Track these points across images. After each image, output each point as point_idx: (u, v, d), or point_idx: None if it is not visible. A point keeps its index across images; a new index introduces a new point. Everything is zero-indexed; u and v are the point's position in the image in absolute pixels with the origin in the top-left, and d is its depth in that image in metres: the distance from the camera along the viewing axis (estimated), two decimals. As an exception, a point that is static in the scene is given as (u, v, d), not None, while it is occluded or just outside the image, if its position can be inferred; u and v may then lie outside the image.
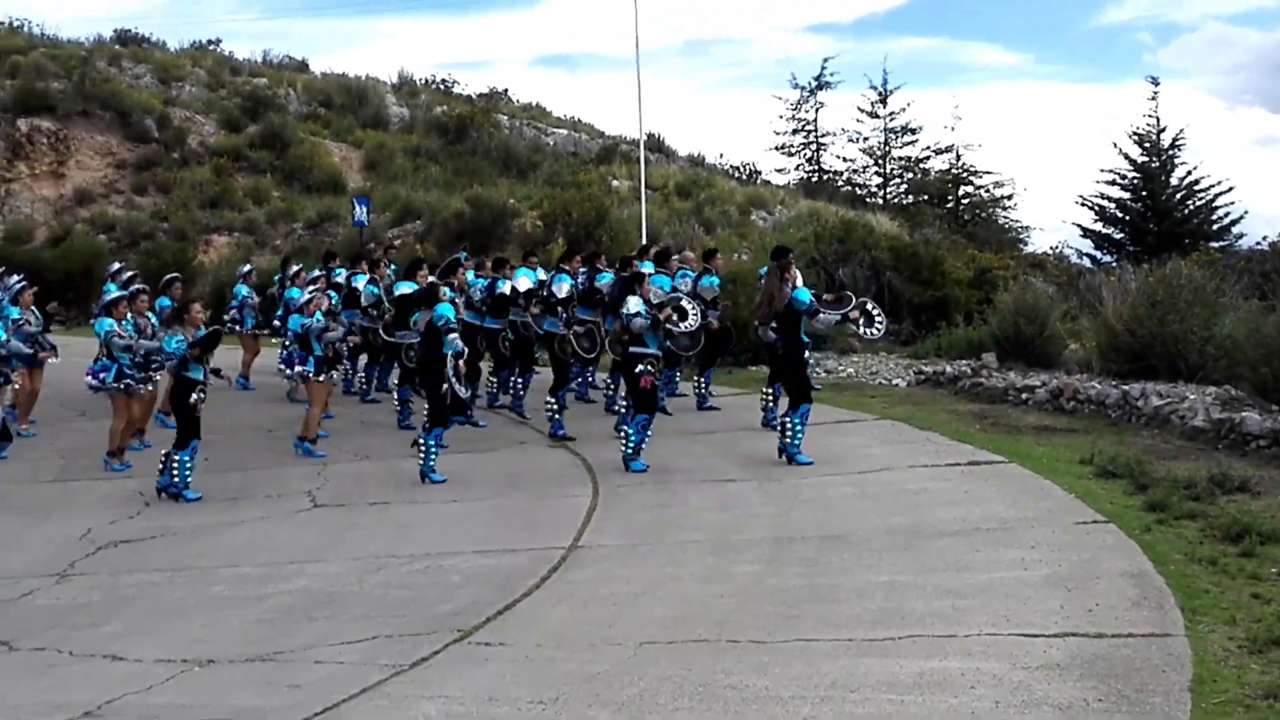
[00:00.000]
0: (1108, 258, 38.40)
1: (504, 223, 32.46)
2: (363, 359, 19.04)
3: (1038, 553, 9.53)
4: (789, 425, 13.27)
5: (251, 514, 12.49)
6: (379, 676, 7.74)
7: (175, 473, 12.98)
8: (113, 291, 16.30)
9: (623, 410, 15.04)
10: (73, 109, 39.29)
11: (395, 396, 16.99)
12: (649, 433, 13.50)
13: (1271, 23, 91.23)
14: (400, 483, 13.47)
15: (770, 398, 15.39)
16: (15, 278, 17.63)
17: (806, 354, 13.81)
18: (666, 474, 13.21)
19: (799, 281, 13.59)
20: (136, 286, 16.57)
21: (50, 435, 16.64)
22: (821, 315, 13.76)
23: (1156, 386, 15.74)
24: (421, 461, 13.27)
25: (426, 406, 13.56)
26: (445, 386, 13.13)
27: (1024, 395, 16.89)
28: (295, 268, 19.88)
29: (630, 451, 13.36)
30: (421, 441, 13.35)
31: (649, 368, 13.45)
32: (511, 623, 8.75)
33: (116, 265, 20.08)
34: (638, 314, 13.39)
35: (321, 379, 15.35)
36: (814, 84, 48.66)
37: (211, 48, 49.17)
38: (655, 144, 43.17)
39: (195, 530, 12.02)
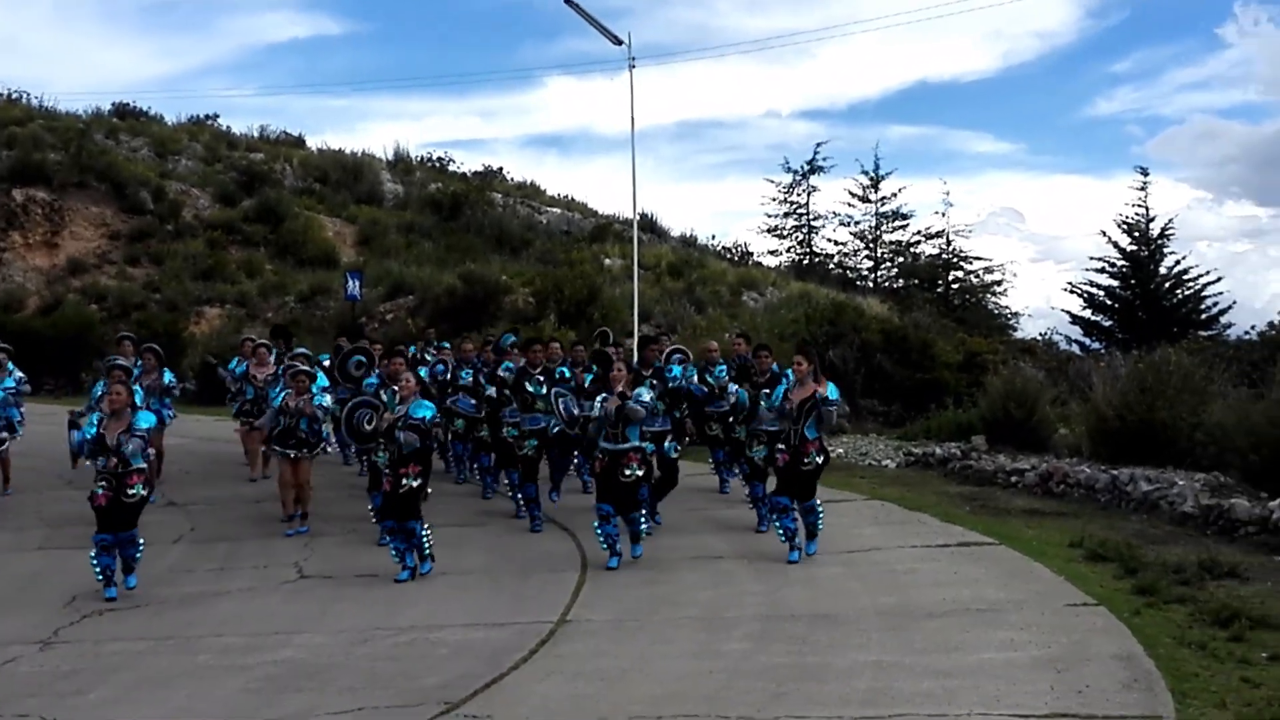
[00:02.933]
0: (1097, 344, 38.56)
1: (496, 299, 32.60)
2: None
3: (1027, 634, 9.51)
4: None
5: (238, 584, 12.40)
6: (365, 748, 7.67)
7: None
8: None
9: None
10: (69, 180, 39.55)
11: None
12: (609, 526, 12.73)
13: (1258, 116, 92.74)
14: (387, 555, 13.42)
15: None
16: None
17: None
18: (656, 551, 13.17)
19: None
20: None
21: (36, 503, 16.54)
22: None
23: (1145, 472, 15.77)
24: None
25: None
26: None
27: (1013, 478, 16.93)
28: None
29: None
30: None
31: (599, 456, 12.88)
32: (499, 696, 8.68)
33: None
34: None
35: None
36: (806, 168, 49.13)
37: (209, 122, 49.59)
38: (648, 224, 43.49)
39: (181, 600, 11.94)
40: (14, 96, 45.60)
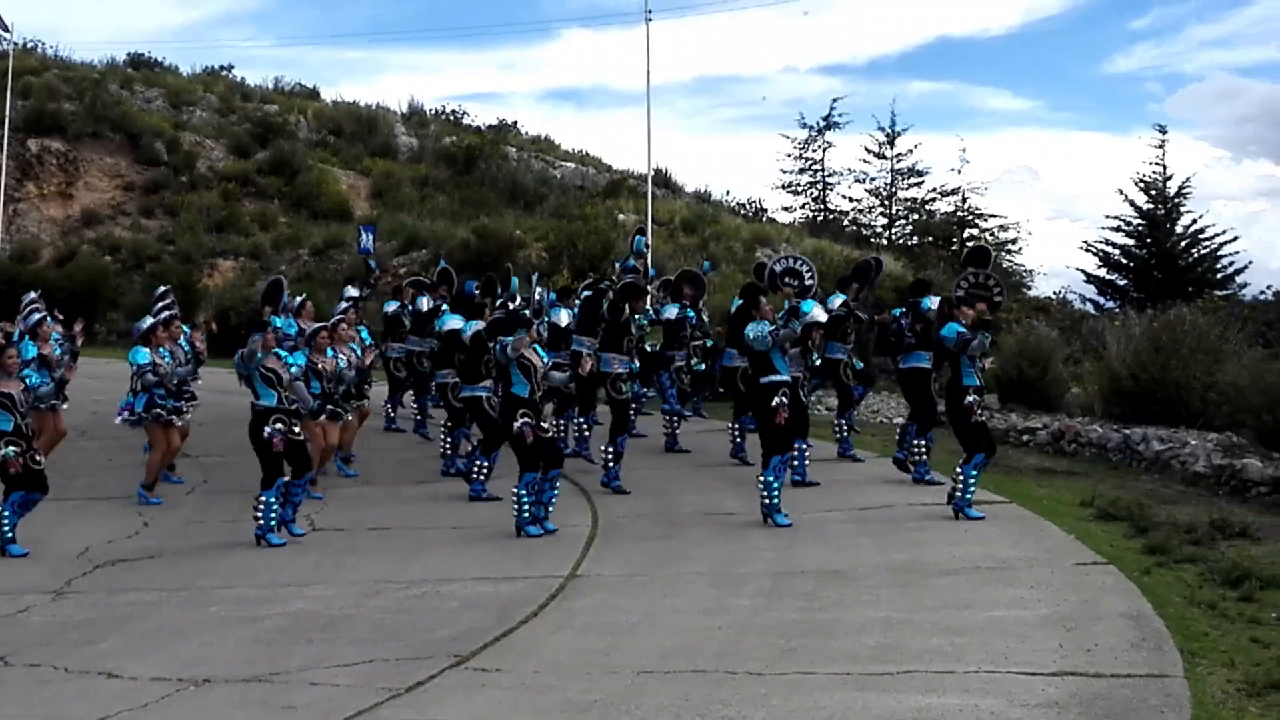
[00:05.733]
0: (1111, 303, 38.37)
1: (509, 254, 32.52)
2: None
3: (1037, 593, 9.52)
4: (960, 477, 12.20)
5: (251, 536, 12.44)
6: (374, 700, 7.71)
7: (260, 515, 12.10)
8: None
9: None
10: (83, 131, 39.42)
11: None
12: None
13: (1279, 75, 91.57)
14: (400, 508, 13.47)
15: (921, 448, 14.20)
16: (30, 298, 16.11)
17: (970, 398, 12.43)
18: (667, 506, 13.21)
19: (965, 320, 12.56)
20: (169, 312, 15.51)
21: (52, 454, 16.52)
22: (974, 343, 12.45)
23: (1158, 431, 15.75)
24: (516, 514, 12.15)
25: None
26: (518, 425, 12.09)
27: (1025, 437, 16.92)
28: (300, 299, 17.73)
29: (775, 503, 12.11)
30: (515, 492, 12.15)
31: (784, 399, 12.06)
32: (509, 649, 8.73)
33: (163, 288, 17.71)
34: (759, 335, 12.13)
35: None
36: (822, 124, 48.80)
37: (224, 73, 49.36)
38: (662, 179, 43.23)
39: (194, 551, 12.01)
40: (29, 46, 45.29)
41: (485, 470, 13.87)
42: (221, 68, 49.81)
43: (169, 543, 12.30)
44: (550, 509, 12.25)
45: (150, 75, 47.07)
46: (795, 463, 13.45)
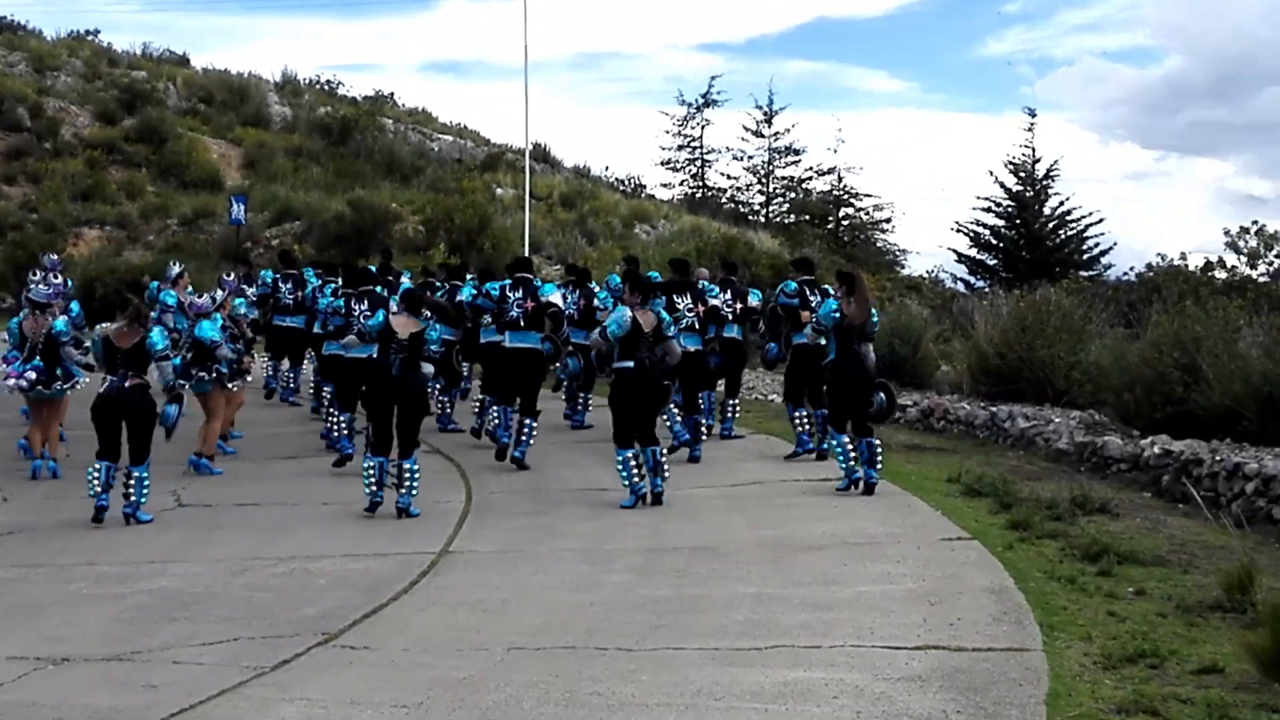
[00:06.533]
0: (981, 283, 39.12)
1: (385, 227, 32.25)
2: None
3: (903, 568, 9.66)
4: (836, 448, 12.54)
5: (114, 512, 12.14)
6: (239, 678, 7.58)
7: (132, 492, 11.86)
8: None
9: None
10: (-60, 94, 38.23)
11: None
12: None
13: (1145, 60, 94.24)
14: (269, 484, 13.26)
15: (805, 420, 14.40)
16: None
17: None
18: (542, 483, 13.18)
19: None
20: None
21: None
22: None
23: (1023, 409, 16.08)
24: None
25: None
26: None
27: (895, 414, 17.14)
28: (177, 268, 17.45)
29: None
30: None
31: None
32: (378, 627, 8.65)
33: (55, 257, 17.52)
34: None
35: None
36: (701, 101, 49.11)
37: (90, 38, 48.17)
38: (541, 154, 43.14)
39: (55, 527, 11.72)
40: (-119, 5, 43.85)
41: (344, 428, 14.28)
42: (87, 32, 48.68)
43: (27, 518, 12.00)
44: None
45: (13, 38, 45.79)
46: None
